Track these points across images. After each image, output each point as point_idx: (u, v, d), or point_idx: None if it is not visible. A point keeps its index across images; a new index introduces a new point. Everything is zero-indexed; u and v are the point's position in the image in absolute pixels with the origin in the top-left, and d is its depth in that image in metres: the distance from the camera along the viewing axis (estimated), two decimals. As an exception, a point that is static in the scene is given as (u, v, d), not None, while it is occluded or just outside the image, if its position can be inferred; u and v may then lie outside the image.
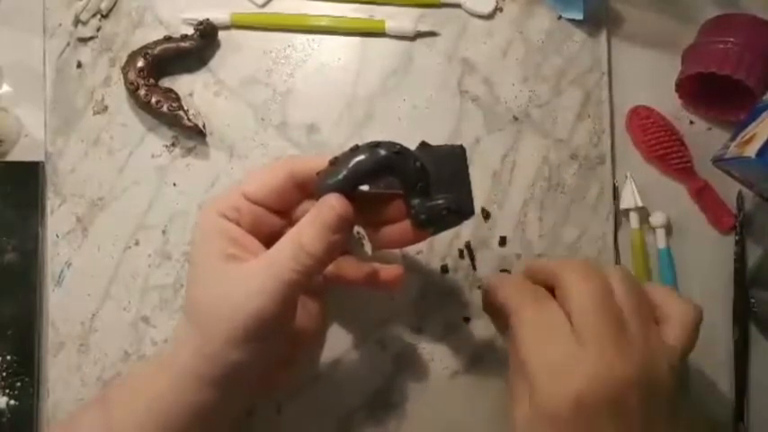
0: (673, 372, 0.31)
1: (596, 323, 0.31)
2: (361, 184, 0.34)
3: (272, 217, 0.36)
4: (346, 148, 0.35)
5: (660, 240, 0.48)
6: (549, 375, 0.31)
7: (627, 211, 0.48)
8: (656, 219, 0.48)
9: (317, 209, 0.33)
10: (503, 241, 0.47)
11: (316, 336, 0.39)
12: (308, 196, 0.37)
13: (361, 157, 0.33)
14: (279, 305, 0.31)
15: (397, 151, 0.34)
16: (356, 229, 0.40)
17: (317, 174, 0.34)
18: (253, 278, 0.32)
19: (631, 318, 0.32)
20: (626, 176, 0.48)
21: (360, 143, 0.34)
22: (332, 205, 0.32)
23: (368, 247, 0.43)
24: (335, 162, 0.34)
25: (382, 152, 0.33)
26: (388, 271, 0.38)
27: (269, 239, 0.36)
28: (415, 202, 0.35)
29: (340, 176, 0.33)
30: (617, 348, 0.30)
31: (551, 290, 0.34)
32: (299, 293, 0.33)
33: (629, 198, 0.48)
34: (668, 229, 0.48)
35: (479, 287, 0.45)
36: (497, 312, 0.36)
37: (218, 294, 0.32)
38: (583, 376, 0.30)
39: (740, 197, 0.48)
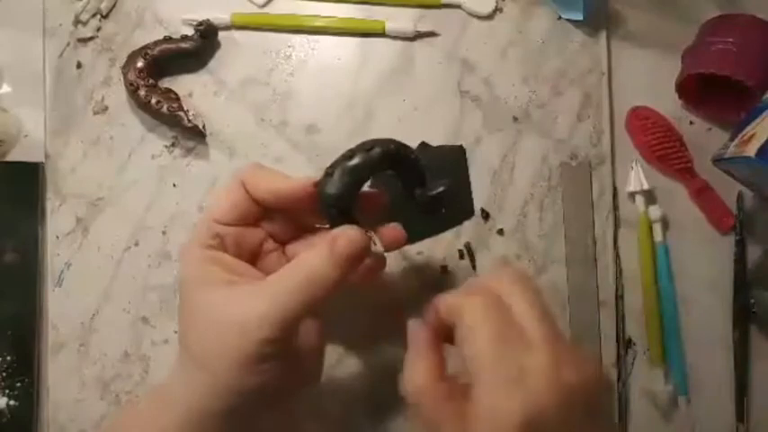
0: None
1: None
2: (361, 186, 0.34)
3: (250, 232, 0.36)
4: (345, 148, 0.35)
5: (657, 234, 0.48)
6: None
7: (633, 194, 0.49)
8: (653, 213, 0.48)
9: (331, 240, 0.32)
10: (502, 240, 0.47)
11: (315, 354, 0.38)
12: (268, 209, 0.36)
13: (357, 160, 0.33)
14: (282, 333, 0.31)
15: (393, 149, 0.34)
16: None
17: (315, 184, 0.34)
18: (255, 303, 0.31)
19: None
20: (633, 164, 0.49)
21: (352, 147, 0.34)
22: (350, 239, 0.32)
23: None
24: (332, 170, 0.34)
25: (377, 151, 0.33)
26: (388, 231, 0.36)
27: (252, 257, 0.36)
28: (418, 192, 0.36)
29: (341, 185, 0.33)
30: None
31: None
32: (304, 319, 0.33)
33: (636, 182, 0.48)
34: (665, 224, 0.48)
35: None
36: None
37: (219, 321, 0.31)
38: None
39: (740, 197, 0.48)
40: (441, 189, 0.36)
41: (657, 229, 0.48)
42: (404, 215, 0.37)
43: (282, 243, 0.38)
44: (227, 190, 0.35)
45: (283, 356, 0.31)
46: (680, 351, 0.47)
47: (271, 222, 0.37)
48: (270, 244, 0.37)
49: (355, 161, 0.33)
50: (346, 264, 0.32)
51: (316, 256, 0.32)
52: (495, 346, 0.28)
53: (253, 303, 0.31)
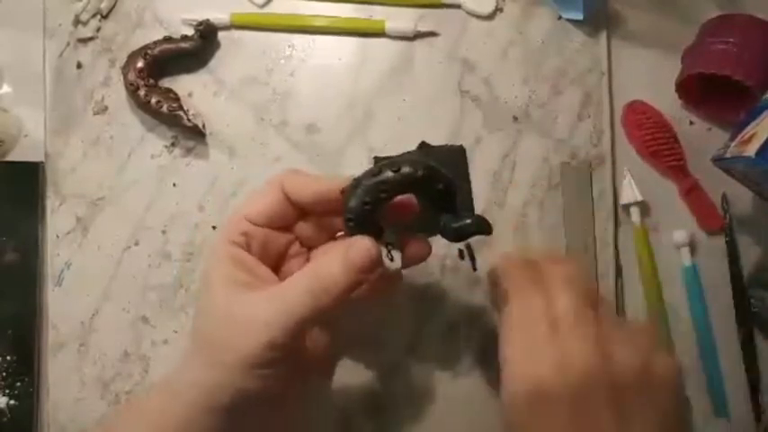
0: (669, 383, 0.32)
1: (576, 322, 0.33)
2: (385, 203, 0.33)
3: (278, 236, 0.36)
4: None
5: (685, 258, 0.48)
6: (520, 358, 0.33)
7: (627, 206, 0.48)
8: (679, 237, 0.48)
9: (345, 248, 0.32)
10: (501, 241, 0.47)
11: (325, 365, 0.38)
12: (304, 213, 0.36)
13: (382, 178, 0.32)
14: (289, 338, 0.31)
15: (421, 175, 0.33)
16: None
17: (341, 191, 0.33)
18: (265, 308, 0.31)
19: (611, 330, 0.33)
20: (625, 172, 0.48)
21: (382, 160, 0.33)
22: (363, 249, 0.32)
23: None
24: (357, 183, 0.33)
25: (405, 172, 0.32)
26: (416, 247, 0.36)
27: (276, 260, 0.36)
28: (444, 219, 0.35)
29: (360, 200, 0.32)
30: (591, 344, 0.32)
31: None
32: (312, 326, 0.33)
33: (629, 193, 0.48)
34: (692, 246, 0.48)
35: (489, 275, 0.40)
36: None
37: (230, 322, 0.31)
38: (550, 362, 0.31)
39: (725, 199, 0.48)
40: (466, 222, 0.34)
41: (685, 253, 0.48)
42: (429, 224, 0.36)
43: (309, 248, 0.38)
44: (264, 190, 0.35)
45: (288, 362, 0.31)
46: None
47: (302, 226, 0.37)
48: (295, 248, 0.37)
49: (380, 178, 0.32)
50: (357, 273, 0.32)
51: (327, 264, 0.32)
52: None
53: (263, 306, 0.31)
